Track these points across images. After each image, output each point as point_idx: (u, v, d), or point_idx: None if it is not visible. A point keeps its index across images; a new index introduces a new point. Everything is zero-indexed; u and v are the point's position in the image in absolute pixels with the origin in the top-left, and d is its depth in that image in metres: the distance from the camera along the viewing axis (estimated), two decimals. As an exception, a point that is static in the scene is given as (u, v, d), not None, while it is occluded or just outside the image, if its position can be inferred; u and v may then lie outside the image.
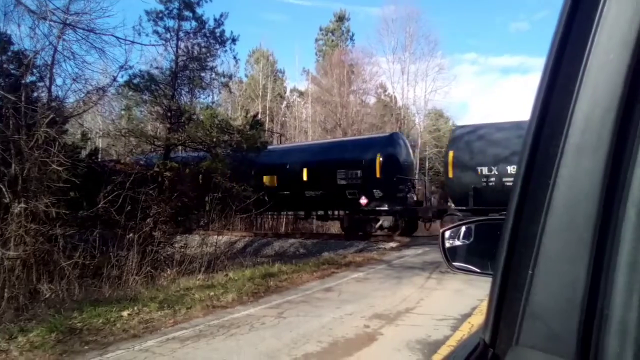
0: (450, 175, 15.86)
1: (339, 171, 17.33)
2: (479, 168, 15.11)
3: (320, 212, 20.18)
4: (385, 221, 17.04)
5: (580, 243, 0.60)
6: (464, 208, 15.56)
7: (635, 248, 0.56)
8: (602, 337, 0.56)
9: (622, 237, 0.57)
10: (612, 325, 0.56)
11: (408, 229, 18.10)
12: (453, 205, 17.07)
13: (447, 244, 1.59)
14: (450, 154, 15.90)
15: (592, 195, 0.60)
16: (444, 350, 4.79)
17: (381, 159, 16.65)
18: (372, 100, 39.93)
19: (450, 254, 1.58)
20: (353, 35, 44.03)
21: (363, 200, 16.80)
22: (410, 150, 19.92)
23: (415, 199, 18.70)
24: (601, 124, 0.61)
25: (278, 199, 17.02)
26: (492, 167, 14.84)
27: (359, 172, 16.99)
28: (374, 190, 16.81)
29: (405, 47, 36.29)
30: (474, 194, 15.07)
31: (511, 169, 14.08)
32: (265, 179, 18.08)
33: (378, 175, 16.57)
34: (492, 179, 14.87)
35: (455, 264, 1.56)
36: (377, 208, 17.10)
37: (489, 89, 60.51)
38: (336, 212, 19.92)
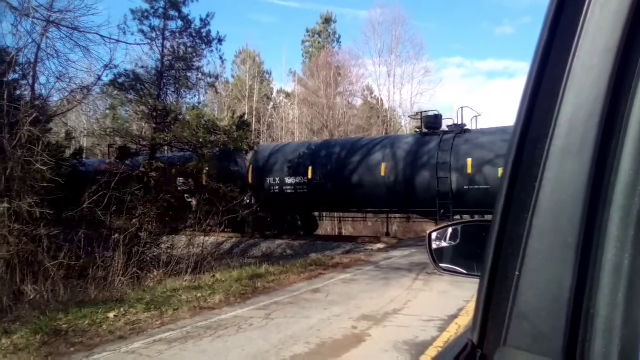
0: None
1: None
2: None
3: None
4: None
5: (566, 244, 0.61)
6: None
7: (620, 249, 0.57)
8: (589, 337, 0.57)
9: (606, 238, 0.58)
10: (598, 325, 0.57)
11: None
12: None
13: (434, 246, 1.60)
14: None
15: (577, 197, 0.61)
16: (432, 351, 4.81)
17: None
18: (358, 102, 39.98)
19: (437, 256, 1.59)
20: (340, 37, 44.15)
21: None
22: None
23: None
24: (585, 127, 0.62)
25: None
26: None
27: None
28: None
29: (392, 50, 36.40)
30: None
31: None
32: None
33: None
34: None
35: (442, 265, 1.57)
36: None
37: (475, 92, 60.93)
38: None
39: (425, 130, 16.52)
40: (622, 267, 0.56)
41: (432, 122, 16.53)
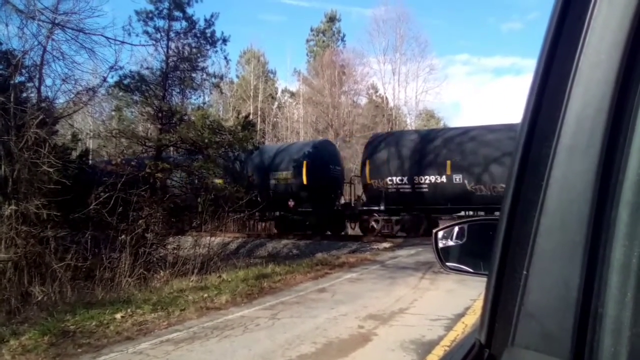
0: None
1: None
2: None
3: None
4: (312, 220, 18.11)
5: (573, 243, 0.61)
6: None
7: (628, 247, 0.56)
8: (597, 336, 0.57)
9: (615, 236, 0.57)
10: (606, 324, 0.56)
11: (335, 228, 18.91)
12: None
13: (441, 244, 1.60)
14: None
15: (585, 195, 0.61)
16: (438, 351, 4.80)
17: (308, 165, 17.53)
18: (363, 101, 40.08)
19: (444, 254, 1.58)
20: (344, 36, 44.21)
21: (290, 203, 17.81)
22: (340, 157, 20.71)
23: (343, 201, 19.59)
24: (593, 124, 0.61)
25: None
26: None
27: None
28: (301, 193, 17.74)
29: (396, 48, 36.46)
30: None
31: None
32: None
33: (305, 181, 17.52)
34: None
35: (448, 264, 1.57)
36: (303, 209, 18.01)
37: (481, 90, 60.82)
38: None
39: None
40: (631, 266, 0.56)
41: None
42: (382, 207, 17.23)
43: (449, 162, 15.59)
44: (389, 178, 16.73)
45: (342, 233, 18.87)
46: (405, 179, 16.37)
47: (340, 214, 18.77)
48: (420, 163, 16.20)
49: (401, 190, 16.49)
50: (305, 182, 17.52)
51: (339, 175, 19.20)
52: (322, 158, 18.16)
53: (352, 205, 19.18)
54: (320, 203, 18.00)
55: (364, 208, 18.15)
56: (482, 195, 15.34)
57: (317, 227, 18.16)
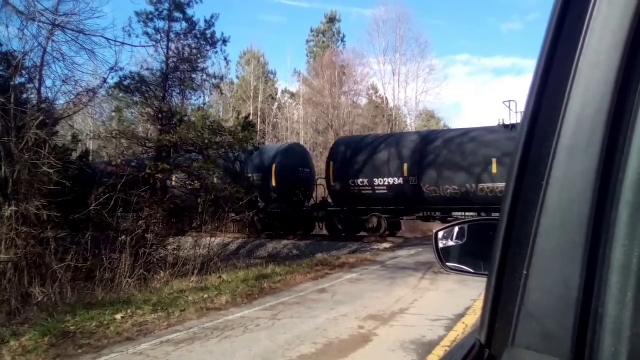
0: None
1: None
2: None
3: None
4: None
5: (574, 243, 0.61)
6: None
7: (629, 247, 0.56)
8: (597, 336, 0.57)
9: (615, 236, 0.57)
10: (606, 325, 0.56)
11: (305, 228, 19.32)
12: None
13: (441, 245, 1.60)
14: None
15: (585, 195, 0.61)
16: (439, 351, 4.80)
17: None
18: (363, 101, 40.06)
19: (444, 255, 1.58)
20: (344, 36, 44.25)
21: (261, 204, 18.49)
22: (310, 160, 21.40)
23: (312, 202, 20.15)
24: (592, 124, 0.61)
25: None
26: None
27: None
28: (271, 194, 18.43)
29: (396, 48, 36.47)
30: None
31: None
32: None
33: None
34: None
35: (448, 264, 1.57)
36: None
37: (482, 90, 60.83)
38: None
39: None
40: (631, 266, 0.56)
41: None
42: (345, 208, 17.89)
43: (405, 165, 16.25)
44: (351, 180, 17.30)
45: (312, 233, 19.36)
46: (366, 181, 17.00)
47: (309, 215, 19.18)
48: (379, 166, 16.80)
49: (363, 192, 17.10)
50: (274, 184, 18.26)
51: (308, 177, 19.82)
52: (292, 161, 18.87)
53: (320, 206, 19.72)
54: (289, 204, 18.56)
55: (330, 209, 18.81)
56: (435, 197, 15.98)
57: (287, 228, 18.70)
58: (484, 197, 14.97)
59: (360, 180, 17.09)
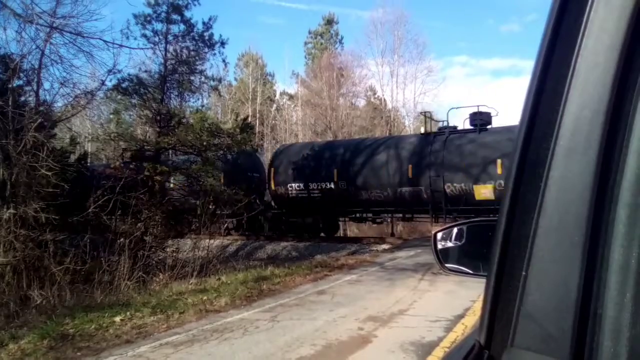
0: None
1: None
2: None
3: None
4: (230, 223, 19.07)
5: (572, 244, 0.61)
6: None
7: (627, 247, 0.56)
8: (596, 337, 0.57)
9: (613, 237, 0.58)
10: (605, 325, 0.56)
11: (257, 229, 19.89)
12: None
13: (440, 246, 1.60)
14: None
15: (583, 196, 0.61)
16: (438, 352, 4.80)
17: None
18: (361, 103, 40.05)
19: (443, 256, 1.58)
20: (342, 38, 44.24)
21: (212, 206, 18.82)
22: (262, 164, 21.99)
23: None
24: (590, 125, 0.62)
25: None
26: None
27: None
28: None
29: (394, 50, 36.46)
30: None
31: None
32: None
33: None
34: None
35: (447, 265, 1.57)
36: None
37: (480, 91, 60.86)
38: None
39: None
40: (630, 266, 0.56)
41: None
42: (283, 210, 18.96)
43: (335, 170, 17.27)
44: (289, 185, 18.30)
45: (264, 233, 19.95)
46: (302, 185, 17.99)
47: (256, 217, 19.71)
48: (313, 172, 17.89)
49: (300, 195, 18.12)
50: (224, 187, 18.78)
51: (257, 181, 20.36)
52: (241, 167, 19.27)
53: (267, 208, 20.35)
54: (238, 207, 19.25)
55: (274, 211, 19.68)
56: (363, 200, 17.06)
57: (236, 229, 19.51)
58: (404, 199, 16.19)
59: (297, 184, 18.13)
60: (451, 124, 16.79)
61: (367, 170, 16.81)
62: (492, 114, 16.09)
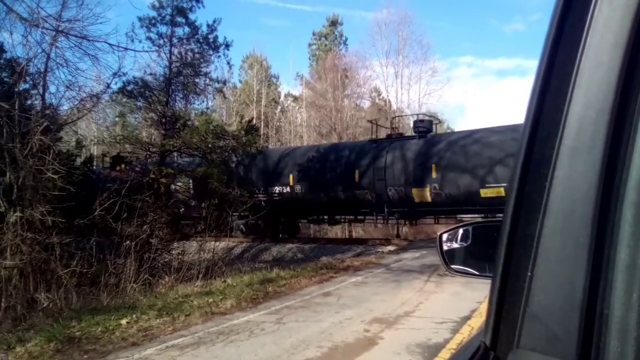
0: None
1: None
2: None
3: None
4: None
5: (577, 244, 0.60)
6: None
7: (633, 247, 0.56)
8: (603, 338, 0.57)
9: (619, 237, 0.57)
10: (612, 326, 0.56)
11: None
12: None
13: (445, 247, 1.59)
14: None
15: (589, 196, 0.61)
16: (444, 354, 4.78)
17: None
18: (366, 104, 40.02)
19: (448, 257, 1.58)
20: (346, 39, 44.17)
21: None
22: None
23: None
24: (595, 125, 0.61)
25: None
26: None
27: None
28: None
29: (399, 51, 36.41)
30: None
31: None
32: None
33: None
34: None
35: (453, 266, 1.56)
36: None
37: (485, 92, 60.75)
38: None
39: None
40: (636, 266, 0.56)
41: None
42: (246, 213, 19.39)
43: (291, 175, 18.11)
44: (255, 188, 18.80)
45: (233, 234, 20.15)
46: (262, 189, 18.89)
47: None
48: (272, 176, 18.79)
49: (260, 199, 18.66)
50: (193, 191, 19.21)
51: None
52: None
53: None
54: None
55: (242, 213, 20.10)
56: (317, 202, 17.99)
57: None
58: (355, 201, 17.20)
59: (260, 188, 18.82)
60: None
61: (321, 175, 17.61)
62: (433, 122, 17.94)
